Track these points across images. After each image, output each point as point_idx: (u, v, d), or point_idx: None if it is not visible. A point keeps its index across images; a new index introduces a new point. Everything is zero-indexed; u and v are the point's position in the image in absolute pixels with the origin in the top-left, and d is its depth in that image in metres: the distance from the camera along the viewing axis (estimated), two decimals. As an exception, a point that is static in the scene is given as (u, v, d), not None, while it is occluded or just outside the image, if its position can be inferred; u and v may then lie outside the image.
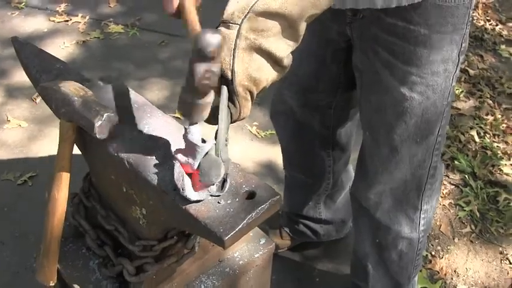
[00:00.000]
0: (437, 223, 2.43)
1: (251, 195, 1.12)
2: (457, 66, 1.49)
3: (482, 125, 2.88)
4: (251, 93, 1.08)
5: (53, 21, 3.41)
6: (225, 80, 1.06)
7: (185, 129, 1.08)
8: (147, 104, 1.34)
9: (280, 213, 2.28)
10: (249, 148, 2.72)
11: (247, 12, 1.05)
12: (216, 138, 1.05)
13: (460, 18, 1.40)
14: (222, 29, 1.06)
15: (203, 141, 1.08)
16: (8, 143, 2.69)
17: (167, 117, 1.30)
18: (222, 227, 1.05)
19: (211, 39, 0.97)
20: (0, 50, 3.22)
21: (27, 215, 2.38)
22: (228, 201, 1.10)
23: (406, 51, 1.42)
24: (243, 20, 1.05)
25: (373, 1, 1.35)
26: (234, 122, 1.09)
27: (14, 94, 2.93)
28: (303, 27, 1.10)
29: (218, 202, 1.10)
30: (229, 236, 1.04)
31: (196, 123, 1.07)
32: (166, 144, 1.20)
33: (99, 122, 1.17)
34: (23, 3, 3.54)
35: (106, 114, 1.18)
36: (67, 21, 3.41)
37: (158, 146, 1.20)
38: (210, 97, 1.05)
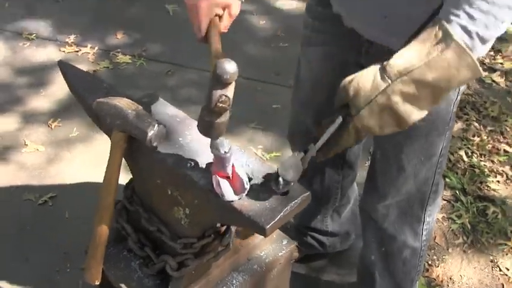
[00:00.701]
0: (433, 235, 2.61)
1: (285, 192, 1.30)
2: (458, 94, 1.64)
3: (469, 146, 3.08)
4: (359, 134, 1.21)
5: (64, 51, 3.58)
6: (345, 111, 1.20)
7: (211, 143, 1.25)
8: (187, 117, 1.52)
9: (288, 227, 2.44)
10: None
11: (405, 75, 1.15)
12: (305, 152, 1.24)
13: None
14: (378, 72, 1.19)
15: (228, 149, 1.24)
16: (27, 165, 2.84)
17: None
18: (263, 218, 1.23)
19: (228, 67, 1.12)
20: (14, 79, 3.38)
21: (49, 232, 2.52)
22: (267, 197, 1.28)
23: None
24: (397, 79, 1.16)
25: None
26: (335, 147, 1.25)
27: (30, 120, 3.09)
28: (445, 96, 1.19)
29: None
30: (270, 225, 1.22)
31: (214, 139, 1.23)
32: (208, 150, 1.37)
33: (152, 132, 1.35)
34: (34, 35, 3.71)
35: (157, 125, 1.36)
36: (77, 51, 3.58)
37: (201, 152, 1.38)
38: (226, 117, 1.22)
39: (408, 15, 1.43)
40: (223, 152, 1.21)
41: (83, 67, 3.43)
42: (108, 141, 2.92)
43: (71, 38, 3.69)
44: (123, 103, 1.41)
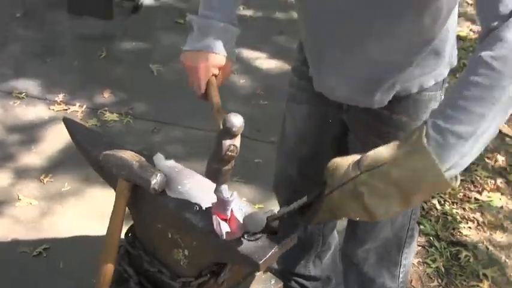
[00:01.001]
0: (409, 278, 2.75)
1: (275, 232, 1.45)
2: None
3: (442, 195, 3.26)
4: (332, 213, 1.26)
5: (53, 109, 3.72)
6: (318, 190, 1.28)
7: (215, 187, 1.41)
8: (184, 168, 1.67)
9: (273, 272, 2.56)
10: (239, 218, 3.04)
11: (373, 168, 1.15)
12: (278, 211, 1.36)
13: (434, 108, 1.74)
14: (353, 161, 1.20)
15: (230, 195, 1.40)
16: (20, 219, 2.94)
17: (202, 177, 1.63)
18: (257, 254, 1.37)
19: (236, 121, 1.28)
20: (5, 136, 3.50)
21: (45, 282, 2.61)
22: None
23: (390, 135, 1.67)
24: (366, 171, 1.16)
25: (371, 103, 1.67)
26: (314, 218, 1.32)
27: (23, 175, 3.20)
28: (415, 200, 1.16)
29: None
30: (262, 260, 1.36)
31: (219, 185, 1.37)
32: (206, 196, 1.52)
33: (155, 180, 1.50)
34: (24, 94, 3.85)
35: (159, 174, 1.51)
36: (66, 109, 3.73)
37: (200, 198, 1.53)
38: (232, 164, 1.37)
39: (376, 75, 1.61)
40: (227, 197, 1.36)
41: (73, 125, 3.60)
42: (99, 195, 3.07)
43: (60, 97, 3.84)
44: (128, 155, 1.57)
